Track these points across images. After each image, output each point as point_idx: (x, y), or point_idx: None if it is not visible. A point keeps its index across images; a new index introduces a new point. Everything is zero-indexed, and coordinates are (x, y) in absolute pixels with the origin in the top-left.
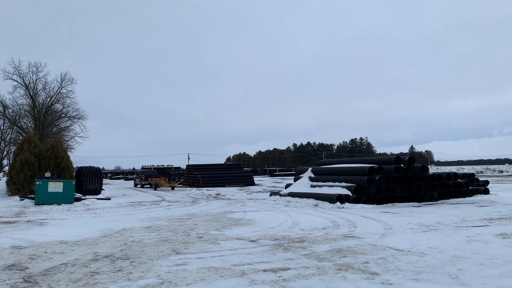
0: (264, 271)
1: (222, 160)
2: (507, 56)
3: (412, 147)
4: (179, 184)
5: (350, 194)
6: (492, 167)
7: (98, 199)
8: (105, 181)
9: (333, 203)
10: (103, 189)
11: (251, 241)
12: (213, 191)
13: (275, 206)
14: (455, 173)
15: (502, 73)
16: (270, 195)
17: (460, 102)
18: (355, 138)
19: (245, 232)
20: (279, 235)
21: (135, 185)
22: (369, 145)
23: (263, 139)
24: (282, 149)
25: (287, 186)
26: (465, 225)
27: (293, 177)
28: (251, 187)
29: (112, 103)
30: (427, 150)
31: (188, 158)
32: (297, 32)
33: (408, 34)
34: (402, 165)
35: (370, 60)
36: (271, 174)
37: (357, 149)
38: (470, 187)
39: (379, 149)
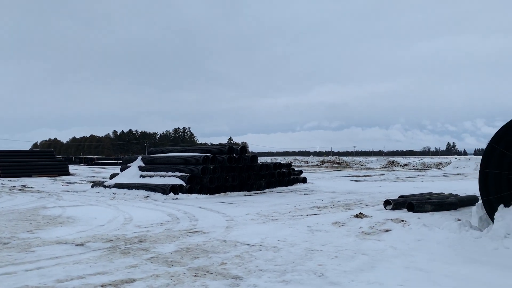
0: (102, 286)
1: (27, 147)
2: (311, 61)
3: (230, 138)
4: None
5: (184, 184)
6: (299, 158)
7: None
8: None
9: (167, 194)
10: None
11: (77, 245)
12: (18, 182)
13: (100, 200)
14: (280, 164)
15: (306, 76)
16: (92, 186)
17: (271, 100)
18: (178, 128)
19: (68, 234)
20: (112, 234)
21: None
22: (191, 135)
23: (77, 124)
24: (100, 136)
25: (113, 176)
26: (300, 214)
27: (119, 166)
28: (66, 178)
29: None
30: (244, 142)
31: None
32: (117, 15)
33: (228, 31)
34: (235, 155)
35: (191, 52)
36: (89, 163)
37: (180, 138)
38: (292, 177)
39: (200, 139)
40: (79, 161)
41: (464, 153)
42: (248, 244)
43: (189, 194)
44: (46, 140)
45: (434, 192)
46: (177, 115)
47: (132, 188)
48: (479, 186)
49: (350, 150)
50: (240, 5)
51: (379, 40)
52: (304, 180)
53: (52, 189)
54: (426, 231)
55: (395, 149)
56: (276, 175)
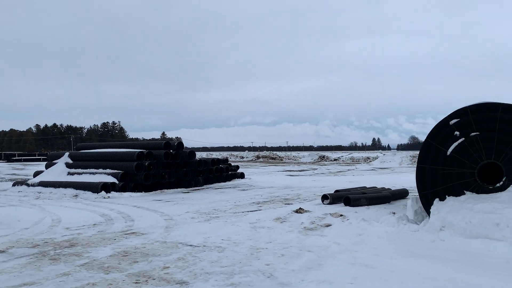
0: None
1: None
2: (245, 56)
3: (163, 133)
4: None
5: (117, 182)
6: (235, 153)
7: None
8: None
9: (98, 192)
10: None
11: None
12: None
13: (23, 200)
14: (218, 159)
15: (240, 72)
16: (14, 185)
17: (204, 94)
18: (107, 122)
19: None
20: (39, 239)
21: None
22: (122, 130)
23: None
24: (21, 130)
25: (37, 174)
26: (241, 211)
27: (43, 163)
28: None
29: None
30: (177, 137)
31: None
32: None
33: (161, 24)
34: (171, 151)
35: (122, 44)
36: (8, 159)
37: (110, 133)
38: (230, 172)
39: (131, 134)
40: None
41: (388, 148)
42: (190, 245)
43: (123, 193)
44: None
45: (368, 186)
46: (106, 109)
47: (59, 187)
48: (416, 181)
49: (282, 145)
50: None
51: (310, 39)
52: (242, 176)
53: None
54: (366, 225)
55: (324, 144)
56: (214, 171)
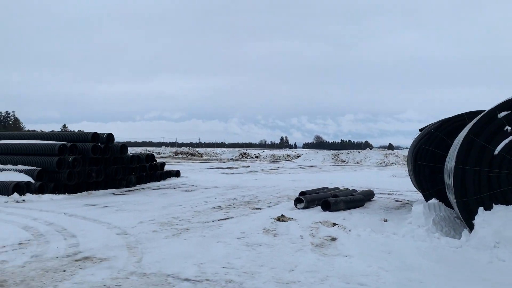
0: None
1: None
2: (152, 50)
3: (65, 126)
4: None
5: (33, 181)
6: (150, 149)
7: None
8: None
9: (8, 194)
10: None
11: None
12: None
13: None
14: (152, 155)
15: (146, 65)
16: None
17: (107, 86)
18: (0, 112)
19: None
20: None
21: None
22: (16, 121)
23: None
24: None
25: None
26: (210, 220)
27: None
28: None
29: None
30: (80, 130)
31: None
32: None
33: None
34: (100, 144)
35: (16, 28)
36: None
37: (2, 124)
38: (165, 170)
39: (28, 126)
40: None
41: (295, 146)
42: (186, 279)
43: (41, 195)
44: None
45: (320, 186)
46: None
47: None
48: (454, 186)
49: (194, 142)
50: None
51: (219, 38)
52: (177, 174)
53: None
54: (383, 239)
55: (234, 141)
56: (148, 168)
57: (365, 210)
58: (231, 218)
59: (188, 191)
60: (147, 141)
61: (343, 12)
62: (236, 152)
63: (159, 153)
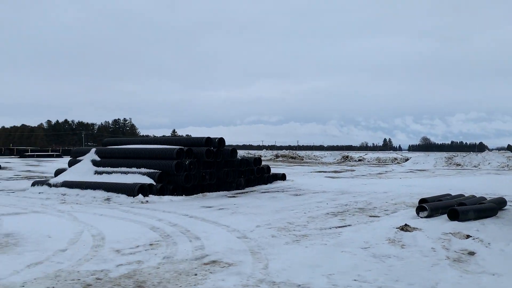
0: None
1: None
2: (251, 56)
3: (174, 131)
4: None
5: (154, 183)
6: (252, 151)
7: None
8: None
9: (134, 196)
10: None
11: None
12: None
13: (46, 204)
14: (259, 158)
15: (246, 71)
16: (33, 185)
17: (211, 93)
18: (119, 119)
19: (11, 271)
20: (86, 271)
21: None
22: (133, 127)
23: (6, 113)
24: (33, 126)
25: (59, 172)
26: (326, 226)
27: (57, 159)
28: None
29: None
30: (188, 134)
31: None
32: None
33: (169, 22)
34: (212, 148)
35: (130, 42)
36: (21, 155)
37: (121, 130)
38: (271, 173)
39: (142, 131)
40: (10, 153)
41: (400, 148)
42: None
43: (162, 196)
44: None
45: (439, 193)
46: (115, 106)
47: (86, 188)
48: None
49: (292, 145)
50: None
51: (315, 38)
52: (283, 177)
53: None
54: None
55: (333, 144)
56: (255, 171)
57: (499, 220)
58: (349, 225)
59: (296, 195)
60: (247, 144)
61: (453, 2)
62: (337, 155)
63: (260, 156)
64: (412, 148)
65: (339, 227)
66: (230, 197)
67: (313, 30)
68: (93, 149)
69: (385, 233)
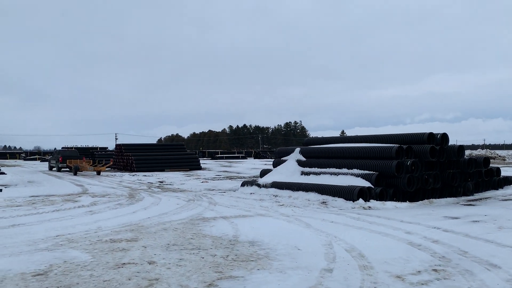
0: None
1: (152, 142)
2: (422, 49)
3: (343, 132)
4: (107, 167)
5: (372, 187)
6: None
7: None
8: (15, 162)
9: (354, 200)
10: (3, 173)
11: None
12: (153, 177)
13: (265, 206)
14: (488, 158)
15: (415, 66)
16: (243, 185)
17: (377, 91)
18: (290, 122)
19: None
20: None
21: (50, 168)
22: (303, 129)
23: (195, 121)
24: (217, 131)
25: (265, 172)
26: None
27: (243, 160)
28: (198, 172)
29: (34, 79)
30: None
31: (116, 138)
32: (224, 16)
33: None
34: (435, 146)
35: (297, 48)
36: (212, 156)
37: (292, 132)
38: (502, 176)
39: (311, 133)
40: (203, 155)
41: None
42: None
43: (383, 202)
44: (169, 136)
45: None
46: (284, 110)
47: (297, 190)
48: None
49: (476, 144)
50: None
51: (496, 24)
52: None
53: (192, 186)
54: None
55: None
56: (484, 174)
57: None
58: None
59: None
60: None
61: None
62: None
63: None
64: None
65: None
66: (465, 205)
67: (489, 15)
68: (297, 149)
69: None
